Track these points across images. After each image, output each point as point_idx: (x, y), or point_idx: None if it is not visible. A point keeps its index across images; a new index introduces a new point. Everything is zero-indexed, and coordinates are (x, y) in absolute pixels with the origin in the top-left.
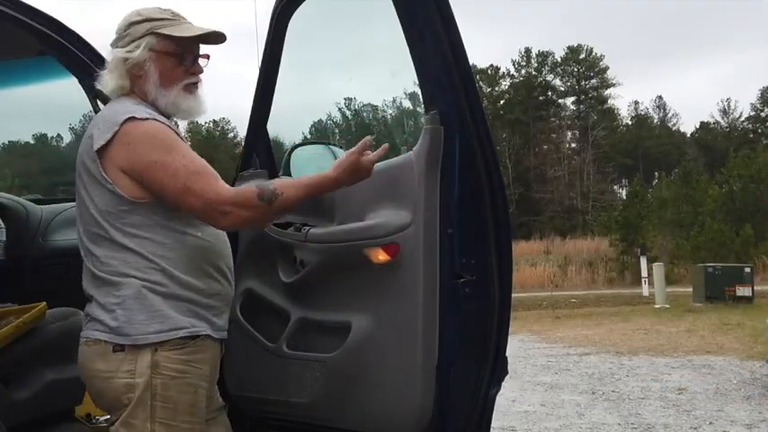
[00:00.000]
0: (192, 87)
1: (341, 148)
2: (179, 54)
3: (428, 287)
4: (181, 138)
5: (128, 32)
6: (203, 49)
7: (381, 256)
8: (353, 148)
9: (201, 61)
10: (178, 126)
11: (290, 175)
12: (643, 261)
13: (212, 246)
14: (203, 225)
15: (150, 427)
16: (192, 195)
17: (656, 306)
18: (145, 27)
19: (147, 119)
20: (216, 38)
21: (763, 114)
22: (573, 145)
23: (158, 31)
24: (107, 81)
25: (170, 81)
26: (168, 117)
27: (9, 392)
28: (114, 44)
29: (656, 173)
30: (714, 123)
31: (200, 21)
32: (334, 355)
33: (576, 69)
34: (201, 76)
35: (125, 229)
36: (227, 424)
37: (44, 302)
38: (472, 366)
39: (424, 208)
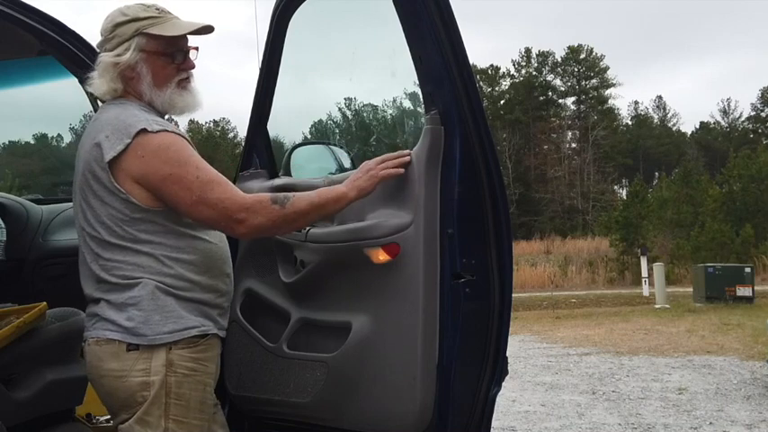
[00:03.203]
0: (185, 83)
1: (341, 148)
2: (170, 53)
3: (428, 287)
4: (192, 147)
5: (114, 34)
6: (192, 41)
7: (382, 257)
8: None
9: (191, 53)
10: (178, 126)
11: (290, 175)
12: (643, 261)
13: (220, 249)
14: (211, 230)
15: (164, 424)
16: (208, 206)
17: (657, 306)
18: (132, 27)
19: (159, 131)
20: (204, 30)
21: (763, 114)
22: (573, 145)
23: (147, 30)
24: (98, 85)
25: (163, 80)
26: (163, 115)
27: (9, 392)
28: (101, 46)
29: (656, 173)
30: (714, 123)
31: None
32: (335, 356)
33: (576, 69)
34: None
35: (139, 236)
36: (224, 421)
37: (44, 302)
38: (472, 366)
39: (424, 208)
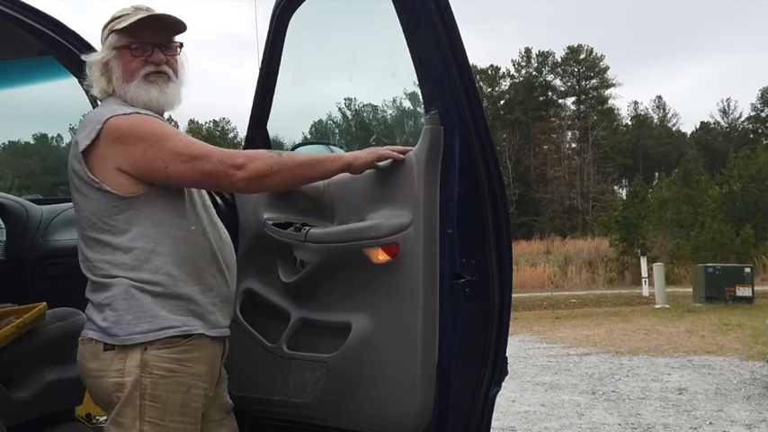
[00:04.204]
0: (153, 77)
1: (341, 147)
2: (132, 45)
3: (428, 287)
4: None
5: (102, 36)
6: (182, 37)
7: (381, 257)
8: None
9: (177, 50)
10: (178, 126)
11: None
12: (643, 261)
13: (206, 240)
14: (197, 218)
15: (139, 426)
16: (202, 160)
17: (657, 306)
18: (108, 27)
19: (129, 114)
20: (172, 24)
21: (763, 114)
22: (573, 145)
23: (114, 27)
24: (93, 86)
25: (129, 74)
26: (161, 113)
27: (9, 392)
28: None
29: (656, 173)
30: (714, 123)
31: (200, 25)
32: (335, 356)
33: (576, 69)
34: (186, 68)
35: (118, 226)
36: (235, 427)
37: (44, 302)
38: (472, 366)
39: (423, 208)
